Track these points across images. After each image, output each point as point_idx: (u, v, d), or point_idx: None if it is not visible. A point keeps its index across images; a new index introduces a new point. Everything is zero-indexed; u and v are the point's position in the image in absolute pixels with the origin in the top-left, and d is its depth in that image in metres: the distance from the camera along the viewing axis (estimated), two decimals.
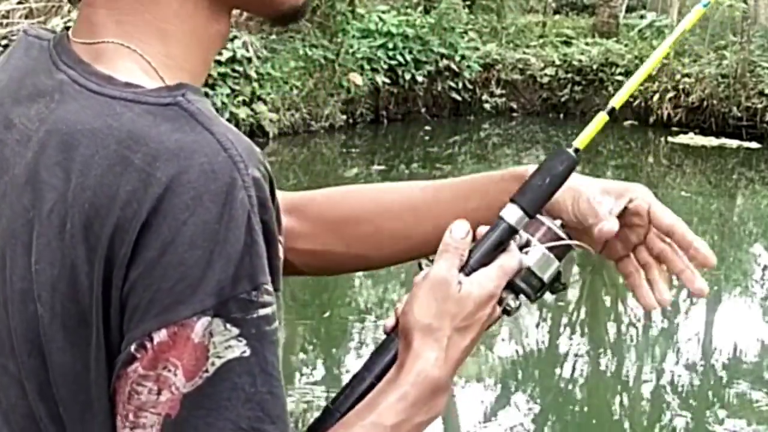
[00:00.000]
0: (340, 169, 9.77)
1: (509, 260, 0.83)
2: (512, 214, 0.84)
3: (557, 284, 0.86)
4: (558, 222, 0.87)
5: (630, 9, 16.86)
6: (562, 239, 0.85)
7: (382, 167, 9.54)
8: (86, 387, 0.67)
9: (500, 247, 0.84)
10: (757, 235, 7.82)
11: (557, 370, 4.78)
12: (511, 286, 0.84)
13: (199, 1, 0.73)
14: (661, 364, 4.86)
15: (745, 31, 11.94)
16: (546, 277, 0.85)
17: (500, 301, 0.84)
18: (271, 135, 9.73)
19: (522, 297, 0.85)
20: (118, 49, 0.71)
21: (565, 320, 5.63)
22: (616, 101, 0.87)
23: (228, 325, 0.64)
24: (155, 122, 0.66)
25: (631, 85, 0.88)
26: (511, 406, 4.27)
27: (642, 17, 14.03)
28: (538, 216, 0.86)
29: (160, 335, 0.63)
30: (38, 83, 0.73)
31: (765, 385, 4.54)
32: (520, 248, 0.84)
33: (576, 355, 4.99)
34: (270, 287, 0.66)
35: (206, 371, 0.64)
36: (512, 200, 0.84)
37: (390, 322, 0.84)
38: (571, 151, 0.85)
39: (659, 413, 4.29)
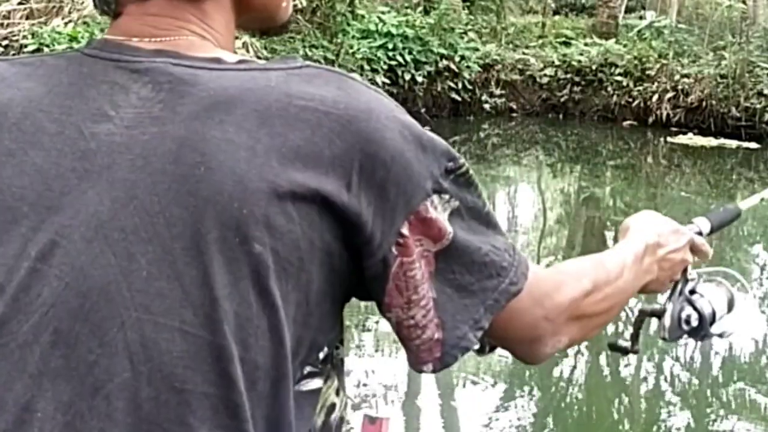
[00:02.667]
0: None
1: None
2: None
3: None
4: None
5: (629, 9, 16.88)
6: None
7: None
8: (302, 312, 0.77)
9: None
10: (755, 236, 7.84)
11: (556, 370, 4.79)
12: (693, 305, 1.15)
13: (230, 17, 0.87)
14: (659, 364, 4.88)
15: (744, 31, 11.97)
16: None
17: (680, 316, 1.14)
18: None
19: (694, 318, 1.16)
20: (204, 43, 0.84)
21: None
22: None
23: (443, 195, 0.81)
24: (303, 80, 0.79)
25: None
26: (511, 406, 4.28)
27: (641, 18, 14.04)
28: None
29: (407, 227, 0.79)
30: (111, 79, 0.79)
31: (764, 385, 4.55)
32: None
33: (575, 355, 5.00)
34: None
35: (447, 232, 0.81)
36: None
37: None
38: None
39: (658, 413, 4.30)
